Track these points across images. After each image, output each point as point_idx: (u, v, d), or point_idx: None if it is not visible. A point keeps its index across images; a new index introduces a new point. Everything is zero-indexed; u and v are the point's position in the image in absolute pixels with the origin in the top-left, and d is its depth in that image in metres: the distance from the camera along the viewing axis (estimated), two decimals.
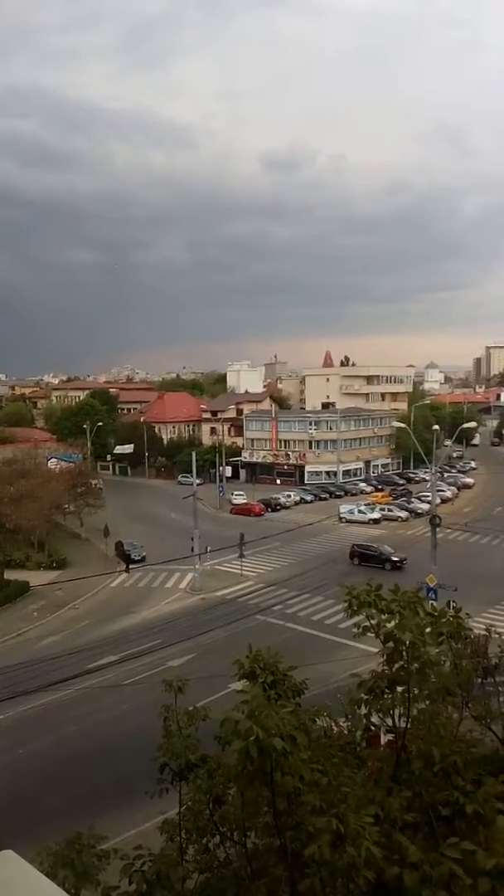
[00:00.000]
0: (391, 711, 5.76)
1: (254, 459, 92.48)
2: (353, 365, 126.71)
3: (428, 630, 5.22)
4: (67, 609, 41.19)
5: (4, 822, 18.48)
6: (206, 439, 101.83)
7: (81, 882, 6.83)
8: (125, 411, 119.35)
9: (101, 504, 59.83)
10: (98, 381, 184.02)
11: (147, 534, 56.99)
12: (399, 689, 5.66)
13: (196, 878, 7.35)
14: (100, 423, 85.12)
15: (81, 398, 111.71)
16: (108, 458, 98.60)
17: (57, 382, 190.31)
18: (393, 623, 5.27)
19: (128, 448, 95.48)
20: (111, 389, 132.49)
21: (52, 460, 66.46)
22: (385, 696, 5.64)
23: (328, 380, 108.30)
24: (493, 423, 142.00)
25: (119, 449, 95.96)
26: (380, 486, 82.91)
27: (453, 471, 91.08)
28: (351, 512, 66.33)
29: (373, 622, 5.49)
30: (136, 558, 50.38)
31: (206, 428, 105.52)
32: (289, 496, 76.54)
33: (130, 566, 46.24)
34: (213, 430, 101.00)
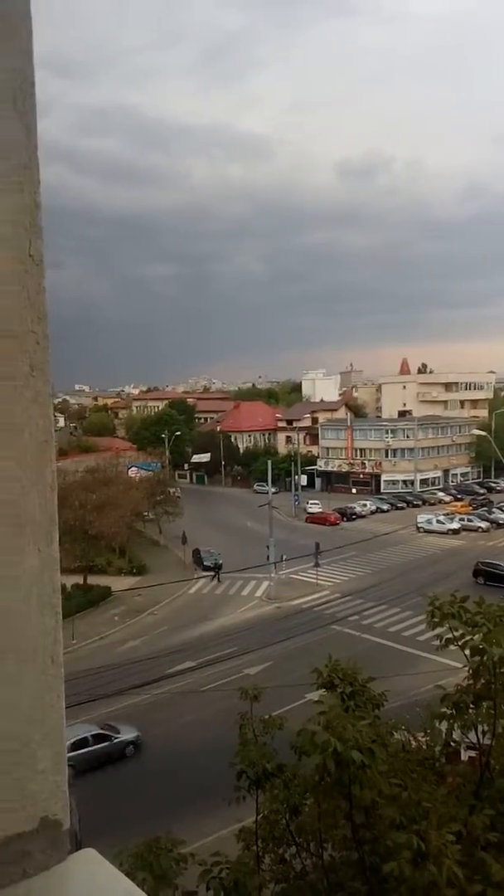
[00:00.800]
0: (474, 727, 5.60)
1: (329, 468, 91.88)
2: (431, 372, 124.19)
3: None
4: (147, 614, 42.02)
5: (86, 822, 18.92)
6: (282, 448, 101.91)
7: (159, 885, 6.92)
8: (202, 420, 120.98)
9: (178, 512, 60.76)
10: (176, 391, 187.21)
11: (223, 541, 57.51)
12: (484, 704, 5.49)
13: (272, 887, 7.33)
14: (178, 433, 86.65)
15: (160, 408, 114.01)
16: (186, 466, 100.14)
17: (137, 393, 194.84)
18: (480, 636, 5.12)
19: (205, 457, 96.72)
20: (188, 399, 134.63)
21: (133, 469, 68.05)
22: (469, 711, 5.48)
23: (405, 387, 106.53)
24: None
25: (196, 458, 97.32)
26: (459, 496, 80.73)
27: None
28: (429, 521, 64.86)
29: (456, 634, 5.35)
30: (212, 566, 51.04)
31: (281, 437, 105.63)
32: (364, 505, 75.63)
33: (218, 574, 47.79)
34: (288, 439, 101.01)
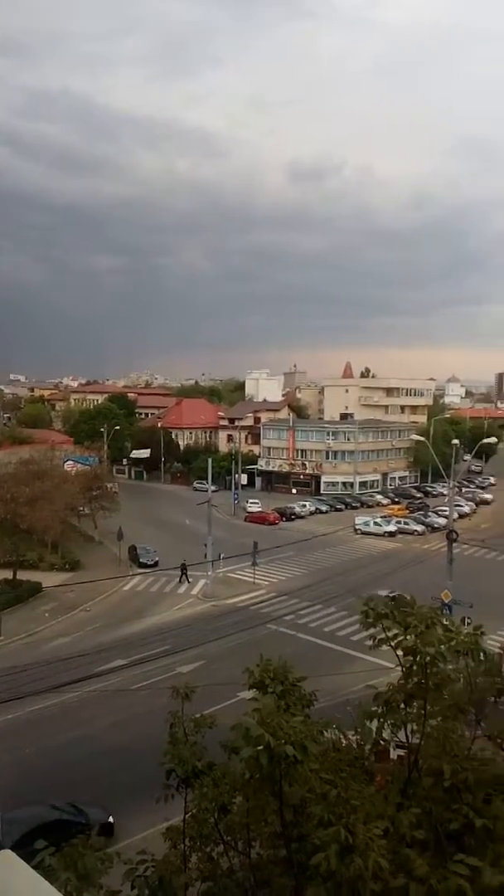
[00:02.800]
0: (404, 726, 5.67)
1: (270, 468, 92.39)
2: (374, 377, 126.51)
3: (445, 646, 5.13)
4: (79, 611, 41.28)
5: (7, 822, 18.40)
6: (223, 446, 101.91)
7: (83, 885, 6.77)
8: (143, 416, 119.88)
9: (115, 507, 59.99)
10: (117, 385, 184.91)
11: (161, 538, 57.08)
12: (415, 704, 5.58)
13: (199, 886, 7.29)
14: (117, 427, 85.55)
15: (100, 402, 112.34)
16: (125, 462, 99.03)
17: (76, 386, 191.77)
18: (413, 637, 5.19)
19: (144, 453, 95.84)
20: (129, 394, 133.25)
21: (69, 462, 66.81)
22: (400, 709, 5.55)
23: (347, 391, 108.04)
24: None
25: (136, 453, 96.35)
26: (396, 499, 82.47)
27: (472, 486, 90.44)
28: (367, 524, 66.00)
29: (389, 634, 5.41)
30: (149, 563, 50.57)
31: (223, 435, 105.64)
32: (304, 506, 76.35)
33: (186, 573, 46.59)
34: (230, 438, 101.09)
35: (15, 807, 18.93)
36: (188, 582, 46.45)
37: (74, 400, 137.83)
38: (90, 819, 19.04)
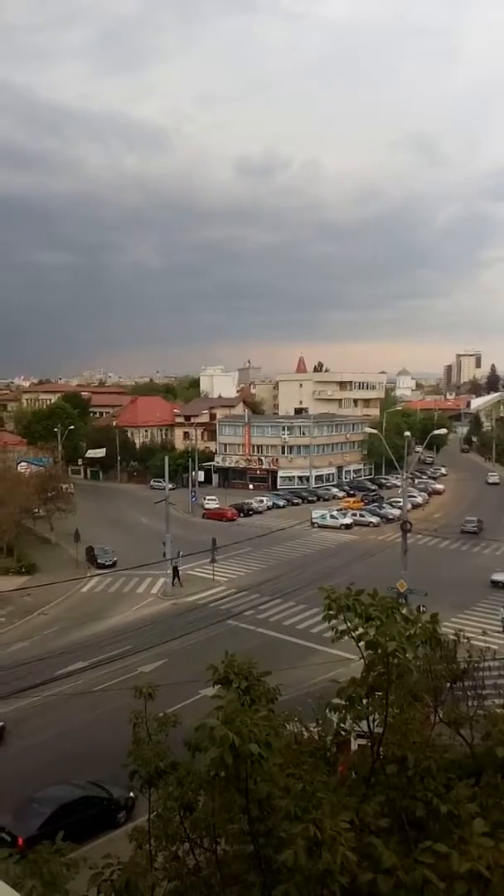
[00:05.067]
0: (366, 717, 5.75)
1: (226, 464, 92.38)
2: (327, 371, 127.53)
3: (405, 637, 5.21)
4: (36, 615, 40.63)
5: None
6: (179, 444, 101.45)
7: (49, 891, 6.70)
8: (97, 415, 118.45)
9: (71, 508, 59.23)
10: (70, 384, 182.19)
11: (118, 538, 56.57)
12: (377, 694, 5.65)
13: (165, 886, 7.28)
14: (71, 427, 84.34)
15: (53, 401, 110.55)
16: (80, 462, 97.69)
17: (28, 385, 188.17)
18: (373, 629, 5.26)
19: (100, 452, 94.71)
20: (83, 393, 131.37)
21: (22, 464, 65.66)
22: (363, 702, 5.62)
23: (301, 385, 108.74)
24: (462, 430, 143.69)
25: (91, 453, 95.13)
26: (352, 492, 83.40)
27: (424, 477, 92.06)
28: (323, 517, 66.60)
29: (350, 626, 5.47)
30: (107, 563, 50.05)
31: (179, 432, 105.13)
32: (261, 501, 76.60)
33: (178, 575, 45.32)
34: (185, 435, 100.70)
35: (40, 788, 19.71)
36: (181, 585, 45.22)
37: (27, 400, 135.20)
38: (113, 796, 19.80)
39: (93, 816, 18.81)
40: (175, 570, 45.30)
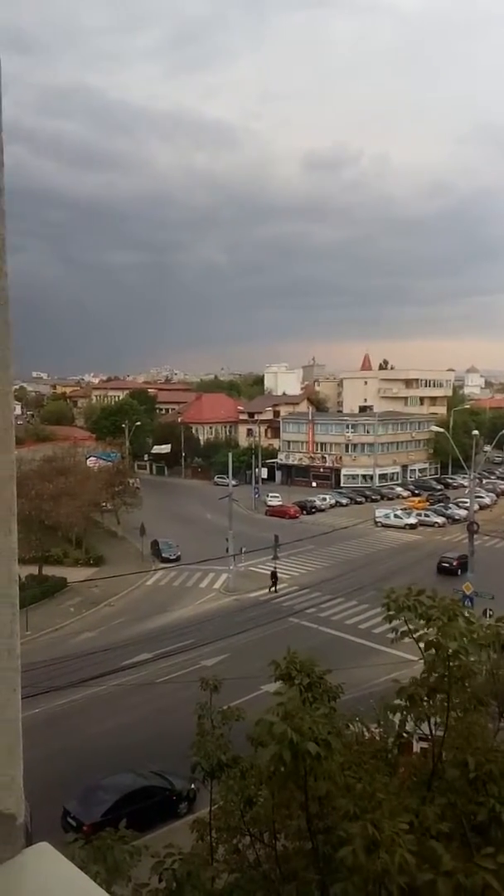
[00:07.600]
0: (427, 719, 5.69)
1: (290, 461, 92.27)
2: (392, 368, 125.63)
3: (467, 639, 5.13)
4: (103, 606, 41.66)
5: (39, 816, 18.71)
6: (243, 441, 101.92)
7: (113, 877, 6.89)
8: (163, 411, 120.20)
9: (137, 503, 60.33)
10: (137, 381, 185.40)
11: (182, 533, 57.34)
12: (438, 696, 5.59)
13: (225, 878, 7.37)
14: (138, 423, 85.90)
15: (121, 398, 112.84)
16: (146, 457, 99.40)
17: (97, 382, 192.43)
18: (434, 630, 5.20)
19: (165, 448, 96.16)
20: (150, 390, 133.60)
21: (91, 459, 67.26)
22: (423, 703, 5.56)
23: (366, 383, 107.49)
24: None
25: (156, 449, 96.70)
26: (417, 491, 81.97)
27: (493, 477, 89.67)
28: (387, 516, 65.77)
29: (411, 627, 5.42)
30: (171, 558, 50.82)
31: (242, 429, 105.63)
32: (324, 499, 76.23)
33: (276, 583, 44.45)
34: (249, 432, 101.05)
35: (106, 776, 20.27)
36: (276, 591, 44.12)
37: (96, 396, 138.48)
38: (175, 787, 19.91)
39: (155, 806, 19.01)
40: (273, 575, 44.47)
